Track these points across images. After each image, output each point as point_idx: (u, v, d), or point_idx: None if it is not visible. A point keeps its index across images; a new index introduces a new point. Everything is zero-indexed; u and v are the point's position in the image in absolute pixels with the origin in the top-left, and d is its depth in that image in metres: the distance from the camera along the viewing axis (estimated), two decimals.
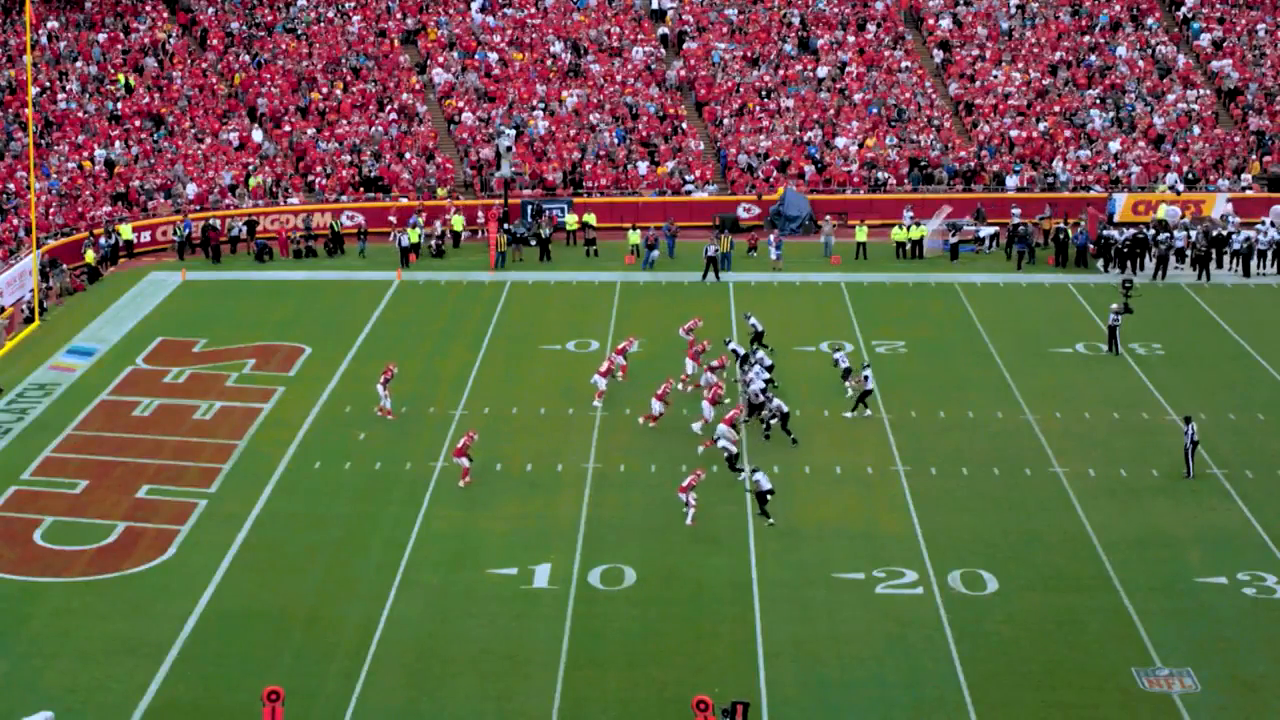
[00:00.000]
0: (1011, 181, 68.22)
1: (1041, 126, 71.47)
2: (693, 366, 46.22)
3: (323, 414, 44.90)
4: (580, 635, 31.98)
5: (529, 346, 50.98)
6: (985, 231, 63.46)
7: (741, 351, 46.66)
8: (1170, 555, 35.64)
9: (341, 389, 46.73)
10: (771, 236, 61.56)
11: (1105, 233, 60.65)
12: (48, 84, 69.54)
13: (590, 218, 64.37)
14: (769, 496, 37.30)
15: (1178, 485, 39.53)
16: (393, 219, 65.38)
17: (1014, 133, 71.03)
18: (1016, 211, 63.84)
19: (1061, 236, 61.33)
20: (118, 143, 67.59)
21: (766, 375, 44.26)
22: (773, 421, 42.26)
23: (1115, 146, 69.93)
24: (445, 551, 35.95)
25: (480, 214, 65.73)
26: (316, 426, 43.99)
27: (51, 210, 61.59)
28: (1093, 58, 75.43)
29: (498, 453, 41.64)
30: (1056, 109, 72.42)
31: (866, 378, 44.18)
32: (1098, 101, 72.86)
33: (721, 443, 40.09)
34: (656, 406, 43.33)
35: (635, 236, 62.23)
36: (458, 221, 64.57)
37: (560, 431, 43.30)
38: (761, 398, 42.94)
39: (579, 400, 45.64)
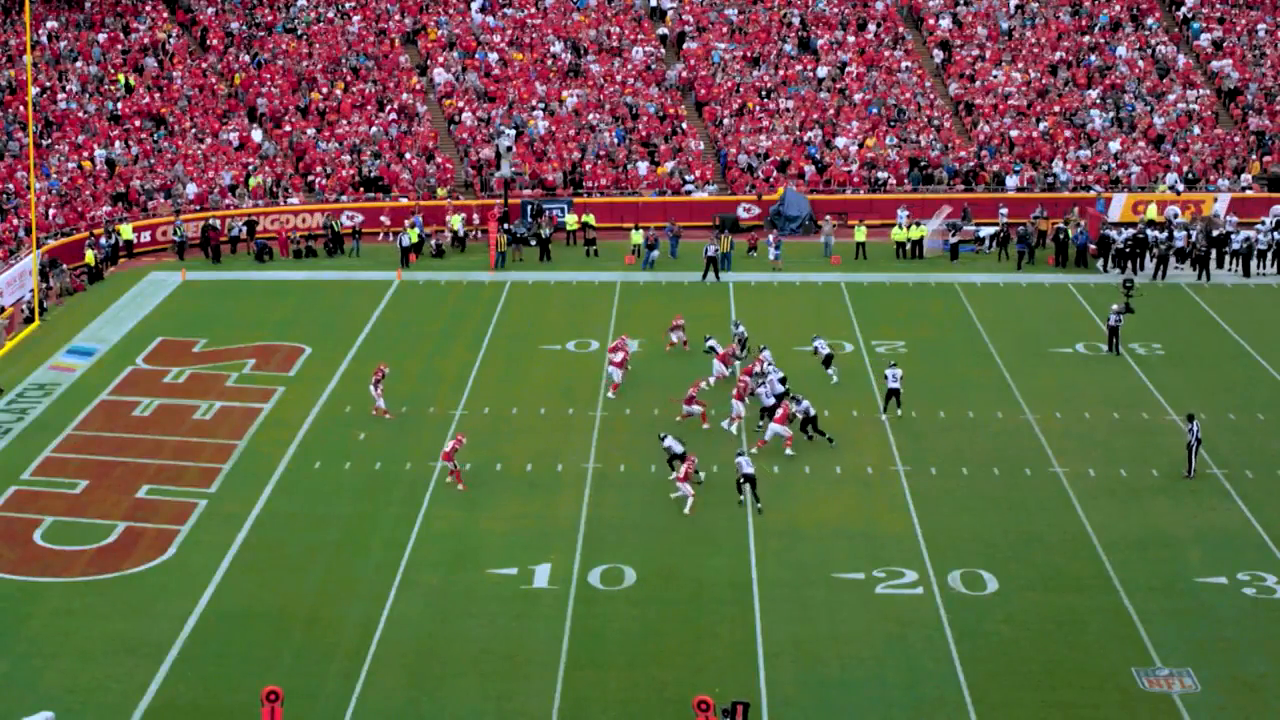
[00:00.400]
0: (1011, 181, 68.20)
1: (1041, 126, 71.46)
2: (720, 368, 46.10)
3: (323, 414, 44.89)
4: (580, 635, 31.97)
5: (529, 346, 50.95)
6: (986, 231, 63.41)
7: (720, 350, 47.13)
8: (1170, 555, 35.63)
9: (341, 389, 46.69)
10: (771, 236, 61.54)
11: (1104, 232, 60.66)
12: (48, 84, 69.50)
13: (590, 218, 64.34)
14: (751, 481, 37.91)
15: (1178, 485, 39.51)
16: (385, 219, 65.44)
17: (1014, 133, 71.02)
18: (1004, 211, 63.94)
19: (1061, 236, 61.34)
20: (118, 143, 67.57)
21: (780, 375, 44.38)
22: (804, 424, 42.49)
23: (1115, 146, 69.93)
24: (445, 551, 35.93)
25: (475, 215, 65.52)
26: (316, 426, 43.98)
27: (52, 210, 61.57)
28: (1093, 58, 75.43)
29: (498, 453, 41.63)
30: (1056, 109, 72.42)
31: (888, 375, 44.29)
32: (1098, 101, 72.85)
33: (668, 442, 39.87)
34: (690, 409, 43.36)
35: (638, 236, 62.20)
36: (456, 221, 64.53)
37: (560, 431, 43.27)
38: (771, 400, 42.95)
39: (579, 400, 45.65)
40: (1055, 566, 35.02)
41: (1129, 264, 59.65)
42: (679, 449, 39.46)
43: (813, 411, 41.90)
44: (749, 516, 37.56)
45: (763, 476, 38.97)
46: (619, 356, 46.30)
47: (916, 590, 33.91)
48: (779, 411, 41.64)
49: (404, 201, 66.42)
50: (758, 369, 44.64)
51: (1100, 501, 38.46)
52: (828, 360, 46.90)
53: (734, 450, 40.85)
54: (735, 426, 43.00)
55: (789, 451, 41.16)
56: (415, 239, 62.01)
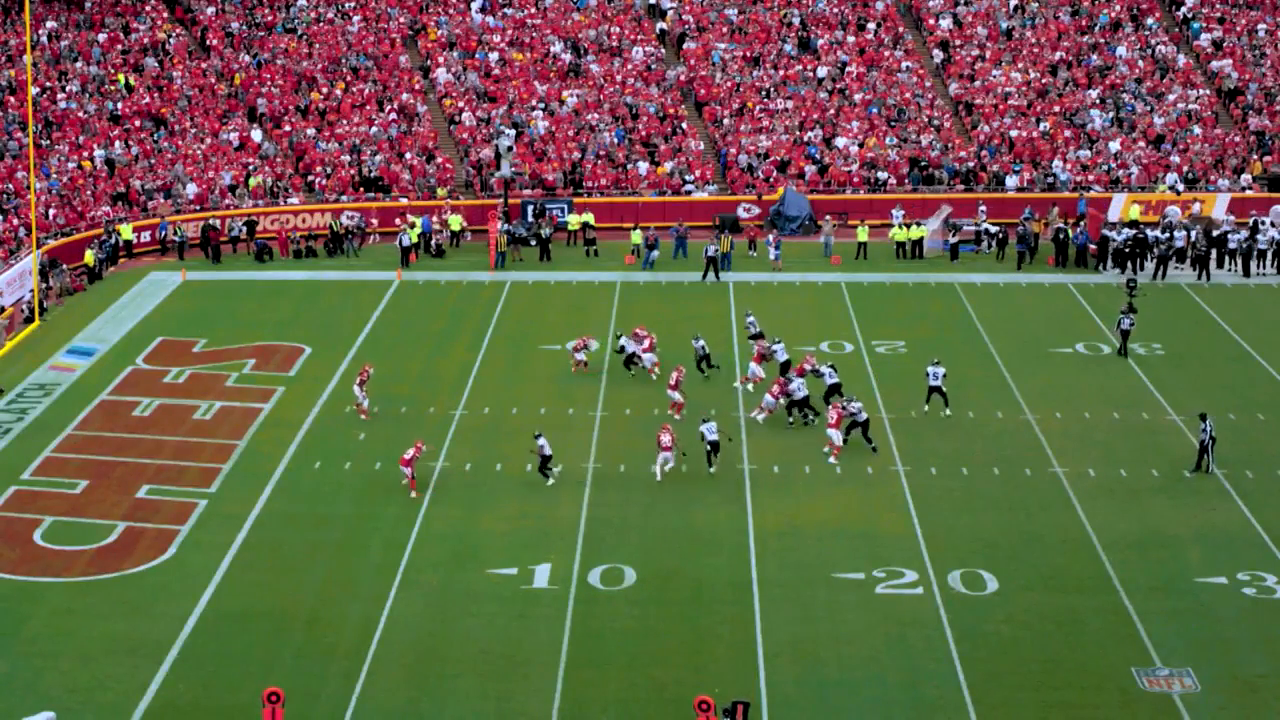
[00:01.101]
0: (1011, 181, 68.20)
1: (1042, 127, 71.44)
2: (755, 369, 46.03)
3: (323, 414, 44.89)
4: (580, 635, 31.97)
5: (529, 346, 50.90)
6: (995, 229, 63.33)
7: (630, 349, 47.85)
8: (1170, 555, 35.62)
9: (342, 389, 46.61)
10: (771, 237, 61.52)
11: (1103, 233, 60.68)
12: (48, 84, 69.46)
13: (589, 217, 64.28)
14: (714, 448, 39.76)
15: (1178, 485, 39.50)
16: (374, 221, 65.46)
17: (1014, 133, 71.02)
18: (983, 209, 64.10)
19: (1061, 237, 61.33)
20: (118, 143, 67.55)
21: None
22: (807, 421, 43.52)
23: (1115, 146, 69.92)
24: (445, 551, 35.92)
25: (454, 213, 65.18)
26: (316, 426, 43.98)
27: (52, 210, 61.54)
28: (1093, 58, 75.42)
29: (498, 453, 41.61)
30: (1056, 109, 72.42)
31: (929, 374, 44.32)
32: (1098, 101, 72.84)
33: (541, 441, 39.69)
34: (672, 394, 43.72)
35: (638, 236, 62.21)
36: (455, 221, 64.58)
37: (560, 431, 43.19)
38: (804, 393, 43.58)
39: (579, 400, 45.64)
40: (1055, 566, 35.02)
41: (1129, 264, 59.64)
42: (549, 451, 39.55)
43: (863, 416, 41.81)
44: (749, 516, 37.57)
45: (760, 473, 39.04)
46: (646, 342, 47.28)
47: (916, 590, 33.90)
48: (833, 416, 41.67)
49: (404, 202, 66.40)
50: (808, 367, 45.06)
51: (1100, 501, 38.45)
52: (758, 338, 48.02)
53: (734, 448, 41.02)
54: (762, 417, 43.39)
55: (832, 460, 41.07)
56: (415, 239, 62.00)
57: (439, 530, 37.07)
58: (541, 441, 39.64)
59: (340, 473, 40.55)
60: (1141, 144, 70.14)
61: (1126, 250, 59.57)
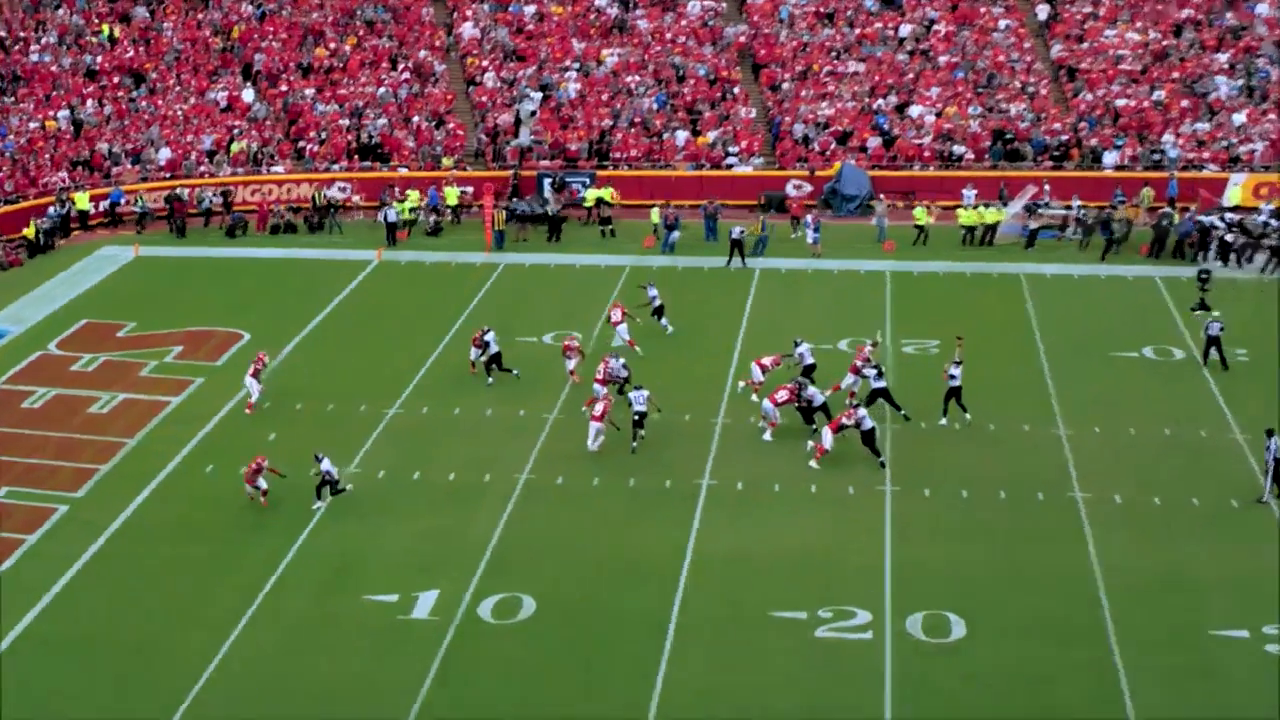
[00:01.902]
0: (1110, 158, 64.90)
1: (1156, 95, 68.05)
2: (758, 372, 43.86)
3: (235, 411, 43.42)
4: (446, 675, 30.12)
5: (503, 338, 48.79)
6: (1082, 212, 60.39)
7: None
8: (1187, 601, 32.69)
9: (267, 382, 44.91)
10: (809, 217, 58.93)
11: (1204, 220, 57.41)
12: (21, 34, 68.94)
13: (606, 193, 62.07)
14: (642, 419, 40.50)
15: (1217, 517, 36.49)
16: (357, 199, 64.14)
17: (1120, 102, 67.69)
18: (1047, 188, 61.97)
19: (1165, 223, 58.10)
20: (90, 101, 66.74)
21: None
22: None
23: (1240, 119, 66.32)
24: (324, 571, 34.29)
25: (450, 185, 63.52)
26: (224, 424, 42.62)
27: (1, 175, 60.84)
28: (1227, 16, 71.85)
29: (421, 459, 39.81)
30: (1175, 75, 68.98)
31: (953, 375, 42.11)
32: (1226, 67, 69.28)
33: (325, 465, 37.75)
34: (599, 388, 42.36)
35: (657, 215, 60.00)
36: (452, 194, 62.82)
37: (501, 436, 41.33)
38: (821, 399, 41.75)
39: (535, 401, 43.63)
40: (1040, 611, 32.33)
41: (1237, 257, 56.31)
42: (334, 475, 37.54)
43: (867, 425, 39.54)
44: (691, 539, 35.41)
45: (720, 489, 36.95)
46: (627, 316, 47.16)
47: (864, 635, 31.46)
48: (836, 417, 40.07)
49: (403, 172, 64.93)
50: (860, 362, 43.12)
51: (1118, 534, 35.63)
52: (658, 313, 48.73)
53: (697, 461, 39.02)
54: (770, 433, 41.26)
55: (813, 464, 39.25)
56: (406, 214, 60.48)
57: (323, 547, 35.44)
58: (326, 467, 37.58)
59: (233, 478, 38.89)
60: (1272, 116, 66.46)
61: (1231, 242, 56.24)
